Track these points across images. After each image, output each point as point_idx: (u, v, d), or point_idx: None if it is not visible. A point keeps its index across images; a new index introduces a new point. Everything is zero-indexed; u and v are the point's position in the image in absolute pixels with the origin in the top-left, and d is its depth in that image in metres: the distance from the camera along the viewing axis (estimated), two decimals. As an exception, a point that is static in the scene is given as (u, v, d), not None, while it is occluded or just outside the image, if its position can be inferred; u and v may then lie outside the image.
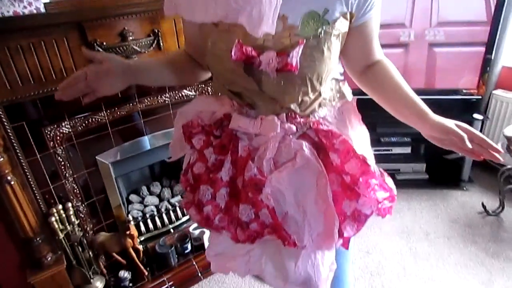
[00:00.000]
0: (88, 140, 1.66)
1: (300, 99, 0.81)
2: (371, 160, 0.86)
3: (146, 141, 1.84)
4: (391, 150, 2.28)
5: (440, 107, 2.16)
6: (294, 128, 0.82)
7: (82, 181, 1.71)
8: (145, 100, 1.74)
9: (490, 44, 2.00)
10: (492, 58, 2.05)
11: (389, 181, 0.87)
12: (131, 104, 1.71)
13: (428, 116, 0.80)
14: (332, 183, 0.81)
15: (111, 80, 0.77)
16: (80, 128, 1.61)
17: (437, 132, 0.77)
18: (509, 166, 2.11)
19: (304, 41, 0.73)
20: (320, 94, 0.85)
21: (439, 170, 2.40)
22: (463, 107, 2.21)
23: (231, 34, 0.75)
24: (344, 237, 0.83)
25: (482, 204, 2.28)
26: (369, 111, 2.18)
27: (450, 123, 0.77)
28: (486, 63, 2.05)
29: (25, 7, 1.22)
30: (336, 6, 0.75)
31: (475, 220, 2.22)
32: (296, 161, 0.80)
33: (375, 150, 2.35)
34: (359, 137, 0.87)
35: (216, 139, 0.88)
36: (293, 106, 0.82)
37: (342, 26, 0.77)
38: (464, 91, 2.13)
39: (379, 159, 2.29)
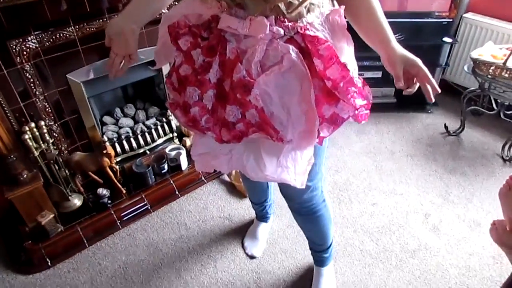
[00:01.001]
0: (57, 57, 1.60)
1: None
2: (354, 69, 0.90)
3: (119, 61, 1.79)
4: (363, 74, 2.34)
5: (412, 30, 2.22)
6: (282, 31, 0.83)
7: (53, 100, 1.68)
8: (115, 16, 1.67)
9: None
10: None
11: (367, 90, 0.91)
12: (101, 20, 1.64)
13: (390, 44, 0.87)
14: (314, 87, 0.84)
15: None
16: (47, 43, 1.54)
17: (395, 61, 0.85)
18: (472, 88, 2.23)
19: None
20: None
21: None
22: (434, 30, 2.26)
23: None
24: (320, 136, 0.89)
25: (445, 125, 2.43)
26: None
27: (414, 57, 0.86)
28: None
29: None
30: None
31: (437, 140, 2.38)
32: (283, 64, 0.82)
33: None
34: (343, 45, 0.90)
35: (204, 41, 0.88)
36: (281, 6, 0.82)
37: None
38: (436, 14, 2.16)
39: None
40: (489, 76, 1.98)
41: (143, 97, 2.19)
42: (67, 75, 1.67)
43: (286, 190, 1.22)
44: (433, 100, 0.88)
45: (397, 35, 2.23)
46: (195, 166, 1.07)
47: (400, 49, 0.87)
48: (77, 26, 1.58)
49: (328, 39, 0.86)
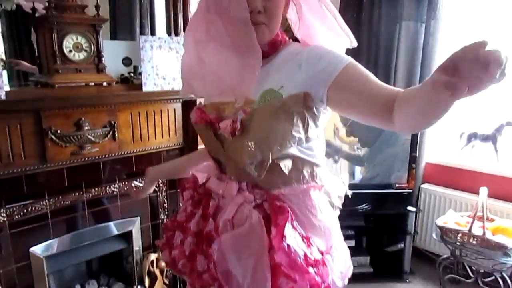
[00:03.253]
0: (24, 230, 1.55)
1: (248, 160, 0.87)
2: (323, 247, 0.93)
3: (88, 234, 1.75)
4: None
5: (377, 200, 2.36)
6: (252, 197, 0.92)
7: (7, 278, 1.54)
8: (93, 190, 1.72)
9: (414, 143, 2.31)
10: (417, 155, 2.34)
11: (325, 271, 0.90)
12: (77, 193, 1.67)
13: (427, 79, 0.61)
14: (271, 258, 0.85)
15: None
16: (17, 217, 1.51)
17: (447, 68, 0.54)
18: (444, 256, 2.24)
19: (255, 110, 0.87)
20: (274, 164, 0.88)
21: (382, 262, 2.47)
22: (398, 200, 2.41)
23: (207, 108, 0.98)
24: None
25: (426, 296, 2.33)
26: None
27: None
28: (412, 160, 2.33)
29: None
30: (291, 84, 0.86)
31: (421, 312, 2.24)
32: (244, 227, 0.89)
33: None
34: (317, 223, 0.93)
35: (198, 195, 1.04)
36: (249, 170, 0.88)
37: (291, 102, 0.84)
38: (397, 185, 2.36)
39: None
40: (458, 243, 2.03)
41: (109, 272, 2.04)
42: (30, 249, 1.58)
43: None
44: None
45: (364, 205, 2.37)
46: None
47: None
48: (51, 199, 1.59)
49: (296, 212, 0.91)
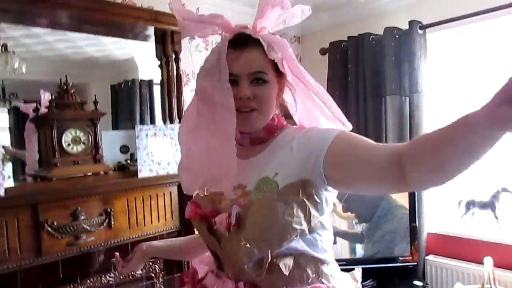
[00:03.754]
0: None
1: (246, 259, 0.82)
2: None
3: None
4: None
5: (382, 275, 2.28)
6: None
7: None
8: (88, 281, 1.69)
9: (412, 213, 2.29)
10: (417, 225, 2.31)
11: None
12: (71, 286, 1.64)
13: (470, 116, 0.57)
14: None
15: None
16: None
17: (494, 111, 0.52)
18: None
19: (250, 204, 0.83)
20: (273, 265, 0.83)
21: None
22: (403, 274, 2.33)
23: (199, 198, 0.97)
24: None
25: None
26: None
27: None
28: (413, 231, 2.28)
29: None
30: (285, 169, 0.83)
31: None
32: None
33: None
34: None
35: None
36: (248, 269, 0.84)
37: (289, 191, 0.80)
38: (400, 258, 2.29)
39: None
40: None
41: None
42: None
43: None
44: None
45: (369, 281, 2.28)
46: None
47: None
48: (46, 294, 1.56)
49: None
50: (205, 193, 0.95)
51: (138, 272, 1.82)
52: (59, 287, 1.60)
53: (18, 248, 1.44)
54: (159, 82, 2.01)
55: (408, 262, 2.30)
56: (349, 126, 0.93)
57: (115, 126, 2.09)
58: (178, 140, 0.98)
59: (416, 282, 2.25)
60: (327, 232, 0.89)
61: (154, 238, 1.85)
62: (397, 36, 2.46)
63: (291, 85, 0.94)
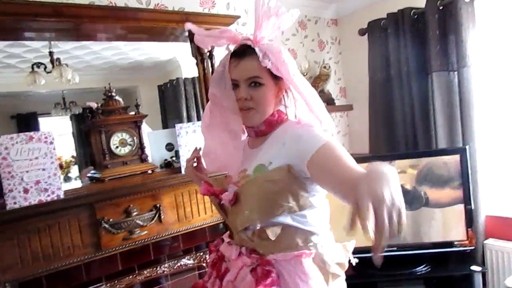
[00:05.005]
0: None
1: (240, 227, 1.05)
2: None
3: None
4: (402, 285, 2.18)
5: (437, 260, 2.19)
6: (249, 261, 1.03)
7: None
8: (145, 271, 1.82)
9: (467, 194, 2.14)
10: (473, 208, 2.17)
11: None
12: (131, 276, 1.79)
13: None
14: None
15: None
16: (79, 303, 1.65)
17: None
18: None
19: (245, 184, 1.05)
20: (262, 231, 1.01)
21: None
22: (460, 259, 2.22)
23: (212, 180, 1.21)
24: None
25: None
26: (368, 269, 2.19)
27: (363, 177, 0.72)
28: (469, 214, 2.15)
29: (48, 195, 1.46)
30: (278, 159, 1.01)
31: None
32: None
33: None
34: None
35: (217, 257, 1.18)
36: (244, 235, 1.07)
37: (276, 174, 0.98)
38: (456, 242, 2.18)
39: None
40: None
41: None
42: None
43: None
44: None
45: (422, 266, 2.20)
46: None
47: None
48: (108, 284, 1.72)
49: (286, 279, 0.98)
50: (217, 175, 1.28)
51: (189, 262, 1.93)
52: (120, 277, 1.75)
53: (81, 244, 1.59)
54: (201, 79, 2.07)
55: (465, 246, 2.18)
56: (326, 126, 1.09)
57: (165, 125, 2.20)
58: (202, 132, 1.22)
59: (474, 268, 2.13)
60: (318, 210, 1.04)
61: (202, 230, 1.95)
62: (441, 7, 2.30)
63: (287, 87, 1.10)
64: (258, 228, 1.01)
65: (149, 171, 1.83)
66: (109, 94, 1.73)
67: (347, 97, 3.11)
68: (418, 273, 2.18)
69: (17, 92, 1.81)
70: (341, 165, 0.88)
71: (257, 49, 1.02)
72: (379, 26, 2.59)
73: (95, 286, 1.68)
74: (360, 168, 0.85)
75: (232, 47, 1.09)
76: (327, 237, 1.08)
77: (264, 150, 1.09)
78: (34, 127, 1.84)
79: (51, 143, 1.48)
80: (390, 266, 2.17)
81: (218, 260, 1.16)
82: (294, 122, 1.11)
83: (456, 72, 2.30)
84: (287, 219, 1.00)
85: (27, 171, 1.42)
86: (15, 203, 1.39)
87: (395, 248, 2.21)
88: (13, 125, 1.78)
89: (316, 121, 1.09)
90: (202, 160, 1.28)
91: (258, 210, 1.00)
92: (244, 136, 1.19)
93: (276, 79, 1.06)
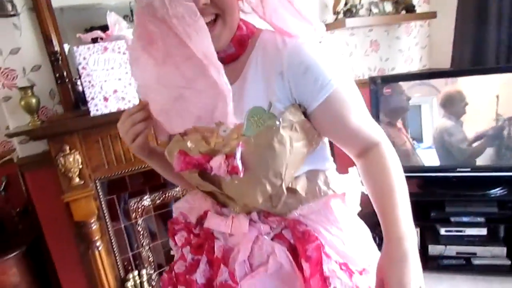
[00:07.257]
0: (164, 212, 1.88)
1: (261, 198, 0.74)
2: (361, 263, 0.78)
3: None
4: (464, 231, 2.13)
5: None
6: (267, 227, 0.78)
7: (156, 250, 1.90)
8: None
9: None
10: None
11: None
12: (173, 189, 1.89)
13: (391, 235, 0.67)
14: None
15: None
16: (158, 201, 1.84)
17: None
18: None
19: (251, 140, 0.70)
20: (290, 191, 0.77)
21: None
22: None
23: (183, 143, 0.76)
24: None
25: None
26: (437, 189, 2.12)
27: (383, 265, 0.66)
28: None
29: (125, 104, 1.54)
30: (278, 99, 0.71)
31: None
32: (268, 265, 0.74)
33: (446, 231, 2.18)
34: (346, 236, 0.78)
35: (195, 237, 0.86)
36: (262, 205, 0.76)
37: (293, 116, 0.71)
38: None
39: (452, 240, 2.10)
40: None
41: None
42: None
43: None
44: None
45: (498, 189, 2.08)
46: None
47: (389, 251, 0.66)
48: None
49: (322, 232, 0.76)
50: (186, 136, 0.77)
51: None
52: (163, 189, 1.86)
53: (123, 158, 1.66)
54: None
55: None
56: (319, 30, 0.77)
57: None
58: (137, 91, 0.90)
59: None
60: (325, 141, 0.84)
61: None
62: None
63: None
64: (285, 192, 0.75)
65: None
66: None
67: (430, 3, 2.73)
68: (492, 195, 2.08)
69: (87, 4, 1.83)
70: (352, 122, 0.74)
71: None
72: None
73: (171, 187, 1.86)
74: (369, 121, 0.76)
75: None
76: (334, 168, 0.87)
77: (249, 82, 0.73)
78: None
79: (124, 53, 1.52)
80: (461, 187, 2.09)
81: (203, 240, 0.83)
82: (271, 32, 0.77)
83: None
84: (306, 166, 0.78)
85: (105, 81, 1.50)
86: (97, 110, 1.50)
87: (468, 169, 2.10)
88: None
89: (304, 24, 0.75)
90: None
91: (283, 170, 0.71)
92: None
93: None
